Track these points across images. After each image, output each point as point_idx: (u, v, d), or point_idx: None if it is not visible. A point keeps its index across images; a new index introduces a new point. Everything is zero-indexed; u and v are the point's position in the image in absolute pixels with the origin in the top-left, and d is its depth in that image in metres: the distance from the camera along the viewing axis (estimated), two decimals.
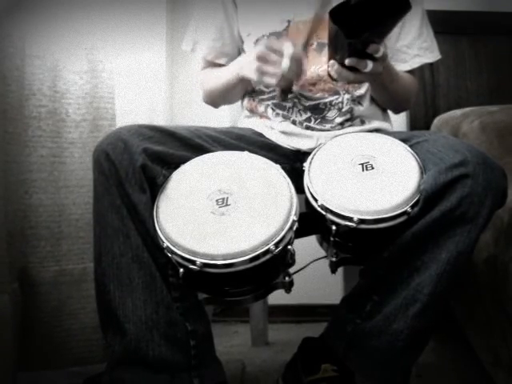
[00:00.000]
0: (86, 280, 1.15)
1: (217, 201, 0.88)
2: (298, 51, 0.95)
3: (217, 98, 1.23)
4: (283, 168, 0.96)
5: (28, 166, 1.11)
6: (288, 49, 0.94)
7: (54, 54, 1.13)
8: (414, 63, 1.17)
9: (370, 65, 0.91)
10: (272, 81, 0.96)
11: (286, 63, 0.93)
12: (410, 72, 1.18)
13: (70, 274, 1.16)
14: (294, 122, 1.13)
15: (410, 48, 1.16)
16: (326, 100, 1.11)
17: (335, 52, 0.94)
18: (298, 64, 0.95)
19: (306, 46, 0.99)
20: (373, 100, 1.16)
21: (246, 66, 1.02)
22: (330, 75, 0.98)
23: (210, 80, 1.21)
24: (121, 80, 1.25)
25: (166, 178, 0.93)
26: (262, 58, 0.96)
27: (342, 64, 0.93)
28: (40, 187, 1.13)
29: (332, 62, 0.94)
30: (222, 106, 1.28)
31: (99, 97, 1.18)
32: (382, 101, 1.18)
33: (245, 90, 1.19)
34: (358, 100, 1.13)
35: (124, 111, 1.25)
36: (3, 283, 0.99)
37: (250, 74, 0.99)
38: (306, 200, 0.94)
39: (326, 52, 1.09)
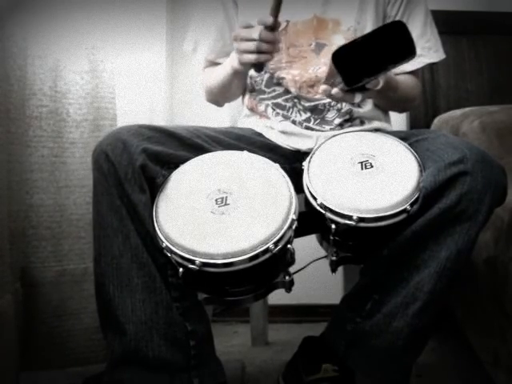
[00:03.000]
0: (88, 280, 1.15)
1: (216, 200, 0.88)
2: (263, 18, 0.94)
3: (217, 96, 1.23)
4: (282, 168, 0.96)
5: (29, 166, 1.11)
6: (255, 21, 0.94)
7: (55, 54, 1.13)
8: (418, 63, 1.14)
9: (358, 97, 0.94)
10: (250, 57, 0.95)
11: (255, 31, 0.93)
12: (413, 72, 1.16)
13: (71, 274, 1.15)
14: (293, 122, 1.13)
15: None
16: (325, 101, 1.10)
17: (332, 80, 0.94)
18: (268, 29, 0.94)
19: (276, 14, 0.96)
20: (374, 102, 1.16)
21: (234, 57, 1.01)
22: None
23: (210, 78, 1.21)
24: (121, 80, 1.25)
25: (166, 178, 0.93)
26: (236, 38, 0.96)
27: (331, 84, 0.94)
28: (41, 187, 1.12)
29: (326, 87, 0.95)
30: (224, 103, 1.28)
31: (100, 97, 1.18)
32: (383, 107, 1.18)
33: (242, 85, 1.19)
34: (357, 103, 1.12)
35: (124, 111, 1.25)
36: (6, 283, 0.99)
37: (235, 60, 0.99)
38: (306, 199, 0.94)
39: (324, 52, 1.10)
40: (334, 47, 1.08)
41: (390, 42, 0.85)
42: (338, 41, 1.10)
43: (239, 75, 1.08)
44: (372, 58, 0.85)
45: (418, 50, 1.12)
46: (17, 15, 1.06)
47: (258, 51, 0.94)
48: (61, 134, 1.15)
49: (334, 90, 0.92)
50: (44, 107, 1.12)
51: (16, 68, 1.06)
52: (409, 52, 0.85)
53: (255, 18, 1.13)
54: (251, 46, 0.94)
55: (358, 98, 0.93)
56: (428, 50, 1.15)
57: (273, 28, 0.94)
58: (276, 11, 0.94)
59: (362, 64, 0.86)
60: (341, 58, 0.87)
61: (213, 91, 1.21)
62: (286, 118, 1.14)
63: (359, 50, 0.86)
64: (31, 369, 1.12)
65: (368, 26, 1.11)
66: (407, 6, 1.14)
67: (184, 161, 0.95)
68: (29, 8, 1.09)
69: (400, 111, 1.29)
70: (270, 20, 0.93)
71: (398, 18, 1.14)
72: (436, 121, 1.56)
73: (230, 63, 1.05)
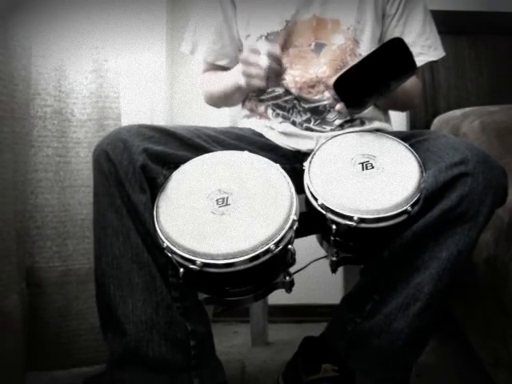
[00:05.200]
0: (92, 280, 1.14)
1: (217, 200, 0.88)
2: (272, 48, 0.94)
3: (217, 102, 1.24)
4: (283, 168, 0.95)
5: (34, 165, 1.11)
6: (263, 48, 0.94)
7: (58, 54, 1.13)
8: (418, 62, 1.11)
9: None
10: (260, 82, 0.96)
11: (263, 61, 0.93)
12: None
13: (77, 273, 1.15)
14: (293, 123, 1.13)
15: (413, 46, 1.11)
16: (326, 102, 1.10)
17: (335, 97, 0.95)
18: (275, 61, 0.94)
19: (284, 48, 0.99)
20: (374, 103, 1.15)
21: (239, 74, 1.02)
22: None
23: (210, 84, 1.21)
24: (121, 80, 1.25)
25: (166, 177, 0.93)
26: (244, 62, 0.96)
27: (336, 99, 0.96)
28: (46, 187, 1.12)
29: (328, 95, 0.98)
30: (223, 107, 1.29)
31: (104, 96, 1.18)
32: (383, 106, 1.18)
33: (244, 96, 1.18)
34: None
35: (125, 111, 1.25)
36: (12, 283, 0.99)
37: (241, 80, 1.00)
38: (306, 199, 0.94)
39: (324, 53, 1.10)
40: (334, 47, 1.10)
41: (389, 60, 0.85)
42: (338, 40, 1.10)
43: (242, 90, 1.08)
44: (373, 80, 0.86)
45: (418, 49, 1.14)
46: (17, 15, 1.06)
47: (267, 78, 0.95)
48: (65, 133, 1.15)
49: (338, 107, 0.95)
50: (48, 107, 1.12)
51: (20, 68, 1.05)
52: (409, 66, 0.85)
53: (253, 19, 1.14)
54: (261, 72, 0.94)
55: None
56: (428, 49, 1.15)
57: (279, 61, 0.95)
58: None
59: (364, 88, 0.87)
60: (342, 86, 0.87)
61: (213, 97, 1.22)
62: (285, 118, 1.13)
63: (359, 75, 0.87)
64: (36, 369, 1.12)
65: (368, 25, 1.11)
66: (406, 5, 1.14)
67: (184, 161, 0.95)
68: (29, 8, 1.08)
69: (401, 110, 1.29)
70: (279, 53, 0.94)
71: (397, 17, 1.14)
72: (436, 121, 1.56)
73: (235, 80, 1.05)
